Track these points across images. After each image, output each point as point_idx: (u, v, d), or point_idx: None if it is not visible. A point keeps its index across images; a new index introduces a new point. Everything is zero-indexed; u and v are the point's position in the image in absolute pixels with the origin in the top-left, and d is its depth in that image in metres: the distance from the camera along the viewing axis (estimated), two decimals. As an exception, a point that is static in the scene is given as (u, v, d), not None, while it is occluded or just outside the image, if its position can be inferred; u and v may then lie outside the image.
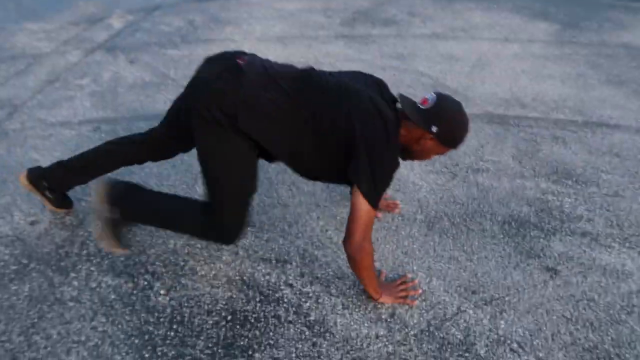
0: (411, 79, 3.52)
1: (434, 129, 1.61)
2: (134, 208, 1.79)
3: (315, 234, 2.12)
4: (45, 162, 2.49)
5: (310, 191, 2.37)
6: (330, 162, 1.67)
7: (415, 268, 1.99)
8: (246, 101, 1.57)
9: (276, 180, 2.44)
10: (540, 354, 1.66)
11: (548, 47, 4.19)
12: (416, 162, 2.53)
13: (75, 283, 1.86)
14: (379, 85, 1.74)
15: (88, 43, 3.85)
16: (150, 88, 3.25)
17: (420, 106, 1.63)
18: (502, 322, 1.77)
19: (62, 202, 2.13)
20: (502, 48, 4.12)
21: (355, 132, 1.57)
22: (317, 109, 1.61)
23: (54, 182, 2.05)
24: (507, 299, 1.87)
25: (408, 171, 2.54)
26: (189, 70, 3.46)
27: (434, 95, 1.64)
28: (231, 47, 3.85)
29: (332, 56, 3.81)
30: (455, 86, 3.44)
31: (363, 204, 1.56)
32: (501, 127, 3.00)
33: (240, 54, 1.71)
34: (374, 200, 1.58)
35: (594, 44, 4.29)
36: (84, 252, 1.99)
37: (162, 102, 3.09)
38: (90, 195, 2.21)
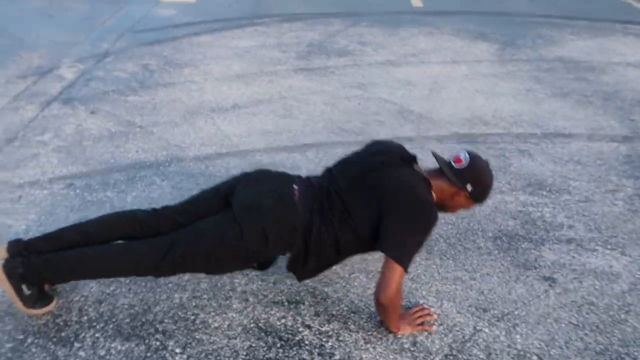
0: (376, 106, 3.64)
1: (469, 187, 1.76)
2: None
3: (321, 270, 2.12)
4: (19, 226, 2.36)
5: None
6: (363, 244, 1.79)
7: (424, 293, 2.03)
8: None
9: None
10: (559, 363, 1.74)
11: (493, 66, 4.46)
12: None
13: (82, 353, 1.75)
14: (400, 151, 1.89)
15: (42, 96, 3.70)
16: (118, 138, 3.15)
17: (455, 165, 1.77)
18: (518, 336, 1.84)
19: None
20: (452, 70, 4.34)
21: (389, 210, 1.69)
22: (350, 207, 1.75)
23: None
24: (516, 312, 1.94)
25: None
26: (155, 116, 3.42)
27: (467, 155, 1.78)
28: (192, 89, 3.84)
29: (294, 90, 3.87)
30: (419, 110, 3.58)
31: (398, 269, 1.63)
32: (470, 145, 3.14)
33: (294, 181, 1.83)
34: (408, 264, 1.66)
35: (532, 60, 4.61)
36: (84, 318, 1.89)
37: (134, 151, 3.01)
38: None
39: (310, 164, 2.91)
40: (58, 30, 5.10)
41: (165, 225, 1.85)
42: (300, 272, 1.85)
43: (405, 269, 1.65)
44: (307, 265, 1.80)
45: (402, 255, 1.64)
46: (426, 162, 2.00)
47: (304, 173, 2.79)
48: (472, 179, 1.75)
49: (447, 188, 1.78)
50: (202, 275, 2.08)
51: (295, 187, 1.79)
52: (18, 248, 1.83)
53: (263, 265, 1.89)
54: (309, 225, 1.73)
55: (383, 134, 3.25)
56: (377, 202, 1.71)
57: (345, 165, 1.90)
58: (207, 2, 6.29)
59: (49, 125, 3.30)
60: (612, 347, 1.80)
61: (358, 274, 2.11)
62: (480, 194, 1.81)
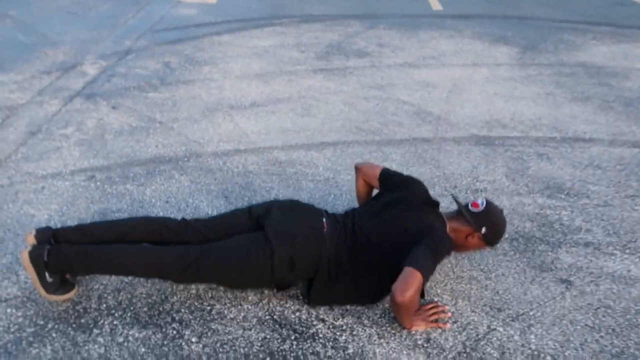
0: (394, 107, 3.64)
1: (484, 230, 1.89)
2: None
3: (336, 266, 2.14)
4: (42, 216, 2.42)
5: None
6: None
7: (439, 291, 2.03)
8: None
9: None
10: (574, 364, 1.72)
11: (513, 69, 4.43)
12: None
13: (101, 339, 1.79)
14: (427, 197, 2.05)
15: (65, 91, 3.78)
16: (139, 133, 3.21)
17: (472, 209, 1.92)
18: (532, 336, 1.83)
19: None
20: (472, 73, 4.32)
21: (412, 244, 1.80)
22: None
23: None
24: (531, 313, 1.93)
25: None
26: (175, 112, 3.47)
27: (484, 201, 1.93)
28: (212, 86, 3.88)
29: (314, 90, 3.89)
30: (437, 112, 3.58)
31: (418, 276, 1.68)
32: (488, 147, 3.13)
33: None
34: (428, 274, 1.74)
35: (553, 64, 4.57)
36: (103, 306, 1.93)
37: (153, 146, 3.06)
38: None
39: (327, 162, 2.93)
40: (82, 28, 5.21)
41: (194, 237, 1.91)
42: (316, 299, 1.90)
43: (425, 278, 1.71)
44: (328, 294, 1.87)
45: (425, 267, 1.72)
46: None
47: (321, 171, 2.83)
48: (487, 223, 1.89)
49: (462, 229, 1.92)
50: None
51: (324, 220, 1.90)
52: (46, 236, 1.89)
53: (281, 287, 1.97)
54: (334, 258, 1.82)
55: (400, 134, 3.26)
56: (400, 238, 1.84)
57: (369, 205, 2.04)
58: (227, 2, 6.36)
59: (72, 119, 3.37)
60: (628, 351, 1.78)
61: (373, 271, 2.12)
62: (493, 237, 1.94)
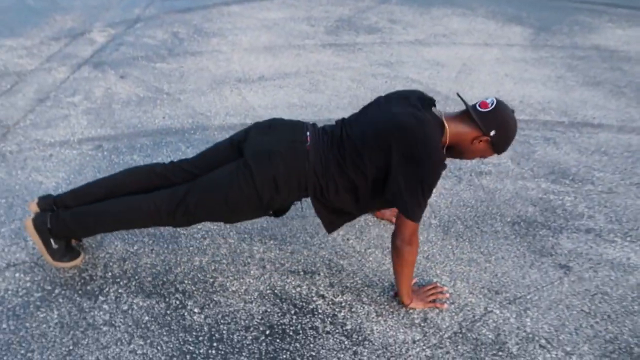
0: (403, 85, 3.61)
1: (493, 133, 1.67)
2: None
3: (338, 243, 2.17)
4: (49, 183, 2.45)
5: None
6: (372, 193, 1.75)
7: (438, 272, 2.06)
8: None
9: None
10: (568, 348, 1.76)
11: (525, 51, 4.36)
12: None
13: (106, 307, 1.84)
14: (417, 95, 1.80)
15: (73, 59, 3.77)
16: (146, 103, 3.21)
17: (480, 109, 1.68)
18: (528, 319, 1.86)
19: None
20: (483, 53, 4.26)
21: (392, 155, 1.64)
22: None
23: None
24: (528, 297, 1.96)
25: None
26: (183, 84, 3.46)
27: (494, 99, 1.69)
28: (220, 58, 3.86)
29: (322, 64, 3.87)
30: (446, 92, 3.55)
31: (410, 223, 1.65)
32: (495, 130, 3.11)
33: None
34: (419, 217, 1.67)
35: (567, 47, 4.50)
36: (109, 274, 1.97)
37: (160, 117, 3.07)
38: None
39: (333, 140, 2.93)
40: (91, -7, 5.16)
41: (182, 176, 1.88)
42: (325, 216, 1.81)
43: (417, 221, 1.66)
44: (331, 204, 1.77)
45: (413, 210, 1.64)
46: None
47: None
48: (497, 125, 1.67)
49: (467, 132, 1.70)
50: (221, 240, 2.14)
51: (307, 134, 1.77)
52: (48, 203, 1.92)
53: (278, 212, 1.88)
54: (323, 170, 1.72)
55: (407, 113, 3.24)
56: (386, 138, 1.66)
57: (361, 112, 1.86)
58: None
59: (80, 88, 3.37)
60: (622, 337, 1.81)
61: (374, 249, 2.15)
62: (502, 142, 1.72)
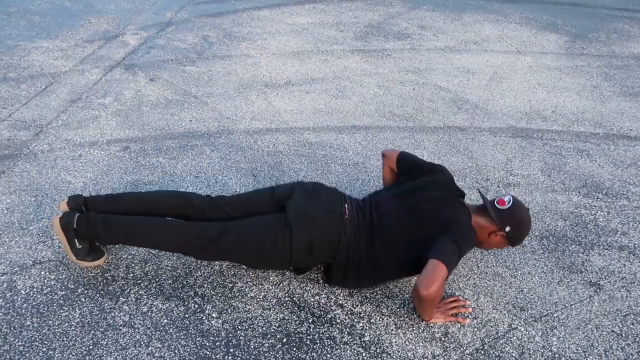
0: (431, 93, 3.56)
1: (508, 229, 1.82)
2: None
3: (359, 252, 2.13)
4: (77, 183, 2.50)
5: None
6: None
7: (461, 285, 2.00)
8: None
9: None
10: (596, 371, 1.68)
11: (560, 59, 4.25)
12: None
13: (126, 308, 1.85)
14: (452, 185, 1.98)
15: (106, 61, 3.85)
16: (174, 106, 3.25)
17: (497, 206, 1.84)
18: (554, 339, 1.79)
19: None
20: (515, 61, 4.17)
21: (438, 235, 1.76)
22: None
23: None
24: (555, 315, 1.88)
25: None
26: (211, 88, 3.49)
27: (511, 198, 1.86)
28: (248, 63, 3.89)
29: (349, 70, 3.85)
30: (475, 100, 3.48)
31: (443, 269, 1.65)
32: (525, 140, 3.03)
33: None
34: (453, 265, 1.72)
35: (604, 56, 4.36)
36: (130, 275, 1.99)
37: (187, 120, 3.10)
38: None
39: (358, 147, 2.90)
40: (126, -3, 5.27)
41: (217, 214, 1.93)
42: (334, 280, 1.91)
43: (449, 270, 1.67)
44: (347, 278, 1.87)
45: (450, 261, 1.68)
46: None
47: (351, 155, 2.81)
48: (512, 222, 1.82)
49: (486, 225, 1.85)
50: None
51: (346, 206, 1.87)
52: (78, 203, 1.96)
53: (300, 270, 1.98)
54: (355, 244, 1.80)
55: (435, 121, 3.19)
56: (421, 227, 1.80)
57: (391, 191, 1.98)
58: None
59: (111, 89, 3.44)
60: (655, 362, 1.72)
61: (395, 260, 2.11)
62: (516, 237, 1.86)
